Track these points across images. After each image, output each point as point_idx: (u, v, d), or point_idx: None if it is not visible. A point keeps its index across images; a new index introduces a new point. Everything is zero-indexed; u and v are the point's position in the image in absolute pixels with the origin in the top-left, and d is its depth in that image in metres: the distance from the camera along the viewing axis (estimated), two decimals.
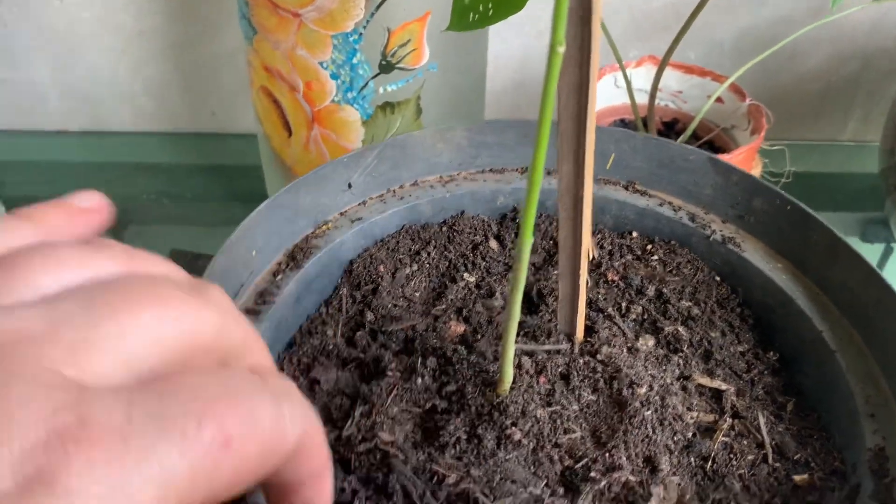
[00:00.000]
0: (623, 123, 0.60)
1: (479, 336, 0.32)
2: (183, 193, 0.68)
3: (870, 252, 0.65)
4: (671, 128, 0.60)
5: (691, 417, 0.30)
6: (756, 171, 0.55)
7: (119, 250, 0.18)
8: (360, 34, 0.46)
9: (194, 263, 0.61)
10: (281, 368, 0.31)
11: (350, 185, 0.37)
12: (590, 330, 0.33)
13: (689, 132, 0.54)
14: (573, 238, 0.30)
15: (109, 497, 0.13)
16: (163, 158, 0.72)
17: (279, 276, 0.33)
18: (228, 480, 0.15)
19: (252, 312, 0.31)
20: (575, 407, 0.29)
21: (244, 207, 0.67)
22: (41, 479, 0.12)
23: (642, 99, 0.58)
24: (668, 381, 0.31)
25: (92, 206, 0.20)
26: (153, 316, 0.16)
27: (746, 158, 0.52)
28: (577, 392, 0.30)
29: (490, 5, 0.40)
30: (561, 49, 0.21)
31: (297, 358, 0.32)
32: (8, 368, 0.13)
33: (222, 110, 0.73)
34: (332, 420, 0.30)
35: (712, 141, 0.57)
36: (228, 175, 0.70)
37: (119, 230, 0.64)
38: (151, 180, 0.69)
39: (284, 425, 0.16)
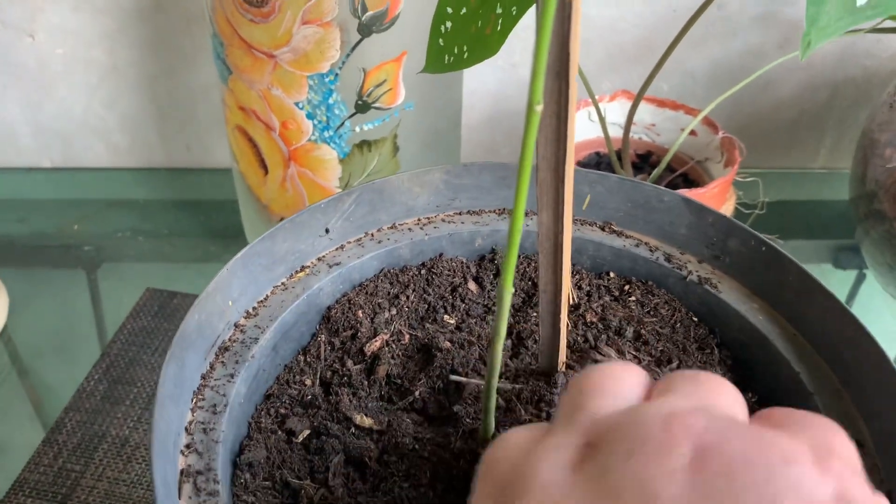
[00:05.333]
0: (598, 156, 0.60)
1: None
2: (158, 229, 0.68)
3: (843, 278, 0.66)
4: (646, 160, 0.60)
5: None
6: (730, 203, 0.56)
7: None
8: (336, 75, 0.46)
9: (169, 302, 0.60)
10: (258, 421, 0.31)
11: (327, 231, 0.37)
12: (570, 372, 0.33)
13: (662, 165, 0.55)
14: (553, 284, 0.31)
15: None
16: (137, 194, 0.71)
17: (256, 327, 0.33)
18: None
19: (228, 366, 0.31)
20: None
21: (220, 243, 0.67)
22: None
23: (616, 132, 0.59)
24: None
25: None
26: None
27: (721, 191, 0.53)
28: None
29: (465, 48, 0.41)
30: (539, 108, 0.21)
31: (275, 409, 0.32)
32: None
33: (197, 144, 0.73)
34: (311, 473, 0.29)
35: (686, 173, 0.58)
36: (204, 210, 0.70)
37: (93, 268, 0.64)
38: (126, 216, 0.69)
39: None
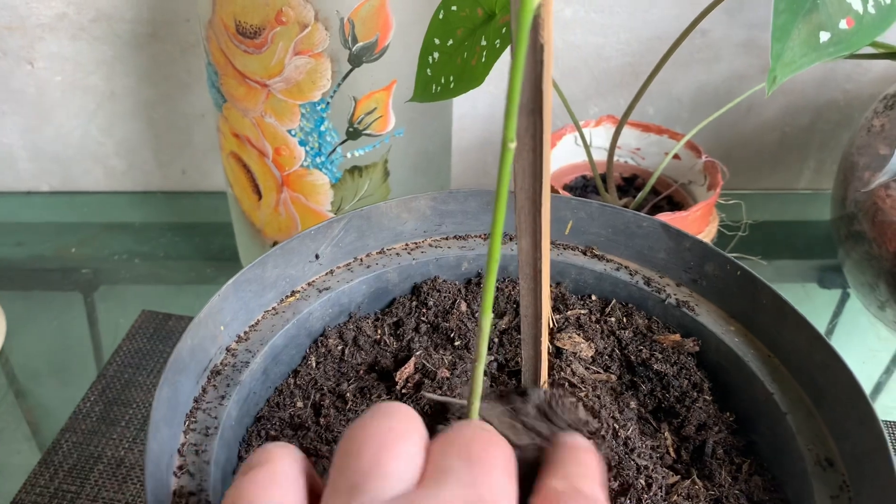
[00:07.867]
0: (584, 179, 0.61)
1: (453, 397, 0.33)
2: (154, 252, 0.69)
3: (827, 298, 0.67)
4: (631, 183, 0.62)
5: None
6: (713, 225, 0.57)
7: None
8: (328, 103, 0.47)
9: (164, 324, 0.61)
10: (248, 443, 0.32)
11: (317, 256, 0.38)
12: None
13: (647, 188, 0.56)
14: (534, 307, 0.32)
15: None
16: (134, 218, 0.73)
17: (247, 351, 0.34)
18: None
19: (220, 389, 0.32)
20: None
21: (216, 265, 0.68)
22: None
23: (603, 156, 0.60)
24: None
25: None
26: None
27: (703, 214, 0.54)
28: None
29: (452, 78, 0.42)
30: (512, 145, 0.22)
31: (265, 431, 0.32)
32: None
33: (193, 168, 0.74)
34: None
35: (671, 196, 0.59)
36: (200, 233, 0.71)
37: (90, 291, 0.65)
38: (122, 240, 0.70)
39: None
